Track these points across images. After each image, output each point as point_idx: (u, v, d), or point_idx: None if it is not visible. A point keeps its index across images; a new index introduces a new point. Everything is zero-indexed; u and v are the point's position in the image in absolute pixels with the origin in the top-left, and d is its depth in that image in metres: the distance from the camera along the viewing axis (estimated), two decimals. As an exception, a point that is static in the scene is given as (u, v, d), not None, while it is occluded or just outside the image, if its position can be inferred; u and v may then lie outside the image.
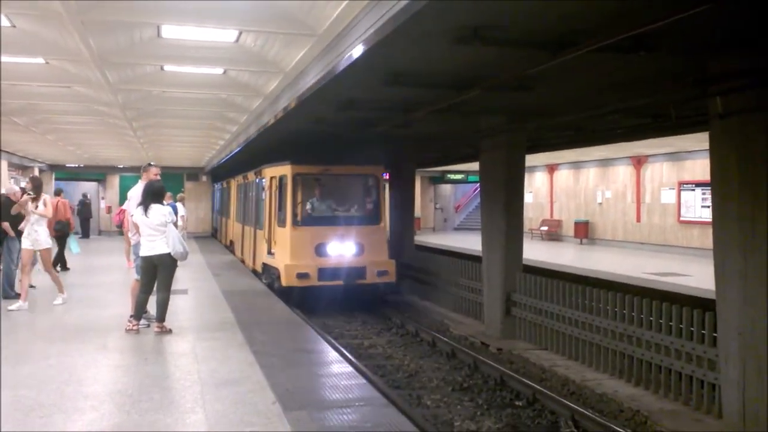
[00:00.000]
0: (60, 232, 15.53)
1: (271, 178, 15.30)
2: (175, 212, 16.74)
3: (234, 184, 23.38)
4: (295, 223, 14.12)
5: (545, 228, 29.60)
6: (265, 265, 15.47)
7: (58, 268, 15.31)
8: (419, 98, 9.56)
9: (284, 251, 14.07)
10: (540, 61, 6.63)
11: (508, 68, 7.44)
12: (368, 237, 14.43)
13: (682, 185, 22.22)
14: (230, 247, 23.61)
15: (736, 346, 7.07)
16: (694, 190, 21.62)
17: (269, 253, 15.00)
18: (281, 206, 14.56)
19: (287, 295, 13.37)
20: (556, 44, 6.26)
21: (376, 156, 16.21)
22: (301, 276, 13.51)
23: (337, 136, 14.41)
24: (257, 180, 17.45)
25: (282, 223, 14.38)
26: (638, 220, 24.23)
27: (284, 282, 13.63)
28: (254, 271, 16.72)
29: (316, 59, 8.16)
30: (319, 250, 13.97)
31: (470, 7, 5.41)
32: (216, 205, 32.73)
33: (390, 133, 12.85)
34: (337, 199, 15.26)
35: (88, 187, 32.51)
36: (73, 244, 15.74)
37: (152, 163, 9.53)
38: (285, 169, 14.53)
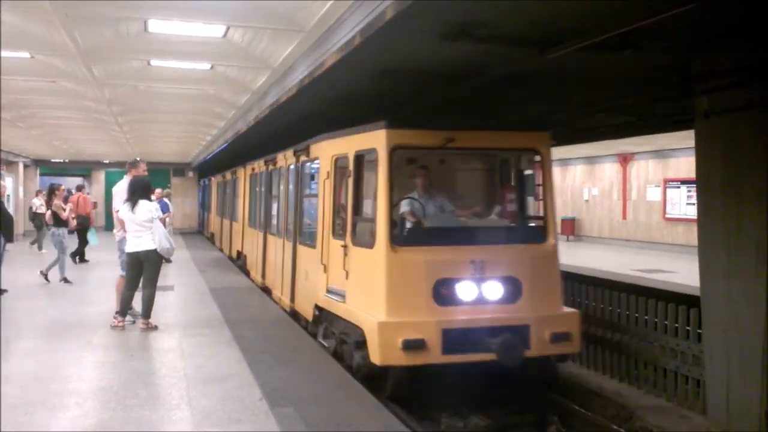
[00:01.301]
0: (81, 226, 15.89)
1: (335, 159, 8.46)
2: (168, 209, 17.02)
3: (244, 174, 16.69)
4: (395, 239, 7.30)
5: (532, 225, 29.69)
6: (322, 312, 8.66)
7: (77, 260, 16.47)
8: (405, 93, 9.52)
9: (373, 293, 7.33)
10: (528, 58, 6.66)
11: (495, 66, 7.45)
12: (529, 267, 7.55)
13: (667, 183, 22.38)
14: (238, 261, 17.29)
15: (720, 342, 7.13)
16: (679, 187, 21.78)
17: (330, 292, 8.26)
18: (358, 209, 7.88)
19: (377, 380, 7.19)
20: (544, 42, 6.28)
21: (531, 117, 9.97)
22: (412, 346, 6.81)
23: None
24: (297, 165, 10.50)
25: (365, 239, 7.62)
26: (624, 217, 24.38)
27: (378, 357, 6.87)
28: (292, 313, 10.23)
29: (304, 55, 8.14)
30: (443, 294, 7.18)
31: (457, 5, 5.41)
32: (213, 202, 26.15)
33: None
34: (466, 196, 9.04)
35: (74, 183, 32.28)
36: (92, 237, 16.22)
37: (139, 159, 9.48)
38: (372, 140, 7.58)
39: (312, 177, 10.08)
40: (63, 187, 14.48)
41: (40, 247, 19.77)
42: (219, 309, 10.36)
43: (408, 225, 7.86)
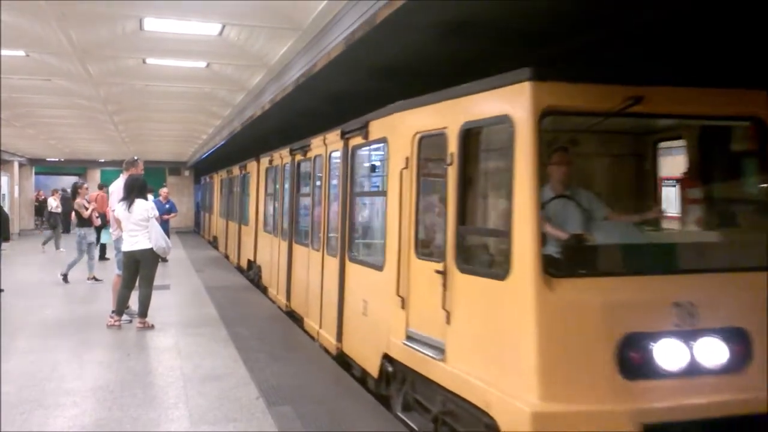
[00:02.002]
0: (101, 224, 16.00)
1: (420, 138, 5.65)
2: (175, 209, 16.98)
3: (258, 168, 13.72)
4: (551, 267, 4.21)
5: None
6: (396, 366, 5.80)
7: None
8: (398, 92, 9.47)
9: (508, 355, 4.30)
10: (523, 56, 6.64)
11: (492, 63, 7.43)
12: (762, 310, 4.40)
13: (663, 181, 22.43)
14: (249, 272, 14.44)
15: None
16: (675, 186, 21.84)
17: (412, 339, 5.43)
18: (466, 214, 5.01)
19: None
20: (539, 40, 6.28)
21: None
22: None
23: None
24: (345, 151, 7.47)
25: (487, 263, 5.02)
26: (620, 215, 24.43)
27: None
28: (339, 355, 7.43)
29: (300, 53, 8.11)
30: (634, 361, 4.14)
31: (452, 3, 5.40)
32: (216, 202, 22.58)
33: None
34: (624, 193, 6.67)
35: (69, 182, 32.19)
36: (105, 235, 16.40)
37: (137, 158, 9.45)
38: (502, 101, 4.57)
39: (372, 168, 7.46)
40: (86, 185, 14.46)
41: (57, 246, 19.70)
42: (215, 308, 10.34)
43: (553, 241, 4.66)
